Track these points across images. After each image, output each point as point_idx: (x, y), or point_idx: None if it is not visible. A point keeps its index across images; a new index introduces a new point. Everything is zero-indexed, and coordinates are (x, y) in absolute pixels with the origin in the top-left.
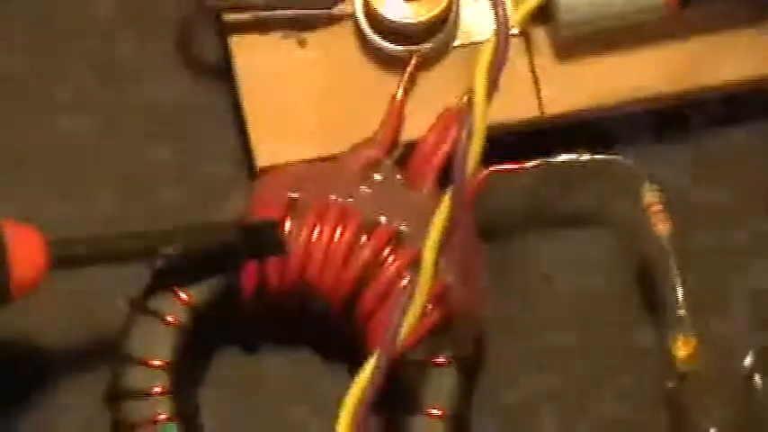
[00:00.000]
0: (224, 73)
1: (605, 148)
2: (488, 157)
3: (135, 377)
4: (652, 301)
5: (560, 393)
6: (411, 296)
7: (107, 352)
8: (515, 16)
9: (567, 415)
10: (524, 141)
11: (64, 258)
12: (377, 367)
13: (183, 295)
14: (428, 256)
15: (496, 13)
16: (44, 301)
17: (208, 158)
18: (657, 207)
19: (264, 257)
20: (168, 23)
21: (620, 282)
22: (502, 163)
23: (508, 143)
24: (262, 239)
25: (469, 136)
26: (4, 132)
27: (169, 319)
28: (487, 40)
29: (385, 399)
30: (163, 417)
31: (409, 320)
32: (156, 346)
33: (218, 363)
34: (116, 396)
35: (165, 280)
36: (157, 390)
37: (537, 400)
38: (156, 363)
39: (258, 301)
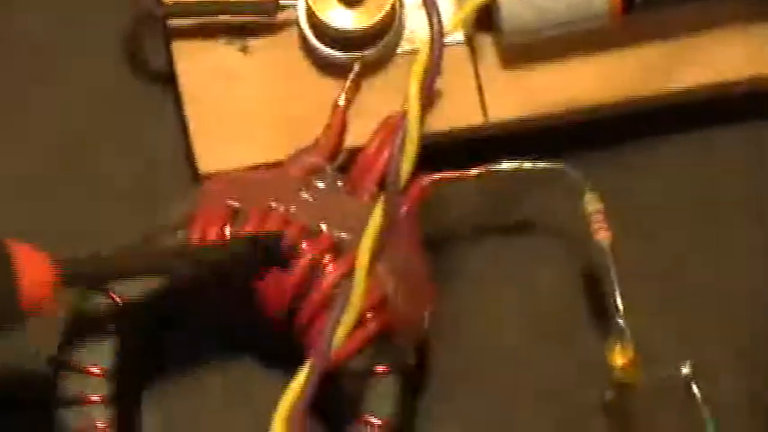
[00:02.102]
0: (170, 78)
1: (551, 157)
2: (435, 168)
3: (73, 385)
4: (597, 309)
5: (500, 407)
6: (345, 303)
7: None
8: (455, 19)
9: (504, 428)
10: (470, 151)
11: (72, 277)
12: (309, 374)
13: (118, 300)
14: (361, 262)
15: (430, 21)
16: None
17: (153, 163)
18: (599, 216)
19: (269, 269)
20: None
21: (566, 291)
22: (446, 172)
23: (454, 153)
24: (269, 252)
25: (403, 142)
26: None
27: (108, 326)
28: (422, 48)
29: (328, 408)
30: (101, 425)
31: (344, 328)
32: (95, 354)
33: (160, 370)
34: (55, 404)
35: None
36: (95, 398)
37: (476, 411)
38: (95, 371)
39: (200, 308)
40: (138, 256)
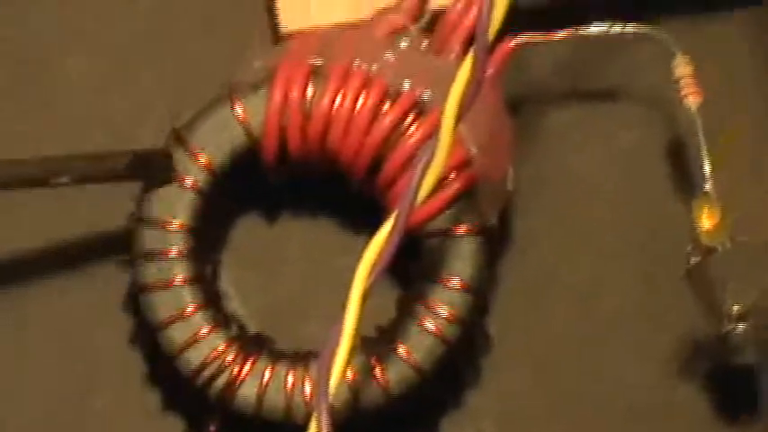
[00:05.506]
0: None
1: (641, 20)
2: (523, 29)
3: (152, 239)
4: (681, 175)
5: (581, 267)
6: (430, 160)
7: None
8: None
9: (586, 291)
10: (559, 13)
11: None
12: (392, 229)
13: (201, 158)
14: (447, 120)
15: None
16: None
17: (234, 20)
18: (689, 79)
19: (154, 184)
20: None
21: (651, 155)
22: (533, 33)
23: (542, 14)
24: (153, 167)
25: (491, 1)
26: None
27: (187, 182)
28: None
29: (407, 270)
30: (179, 280)
31: (428, 182)
32: (173, 209)
33: (239, 229)
34: (133, 258)
35: None
36: (174, 252)
37: (557, 275)
38: (174, 225)
39: (280, 165)
40: (19, 165)
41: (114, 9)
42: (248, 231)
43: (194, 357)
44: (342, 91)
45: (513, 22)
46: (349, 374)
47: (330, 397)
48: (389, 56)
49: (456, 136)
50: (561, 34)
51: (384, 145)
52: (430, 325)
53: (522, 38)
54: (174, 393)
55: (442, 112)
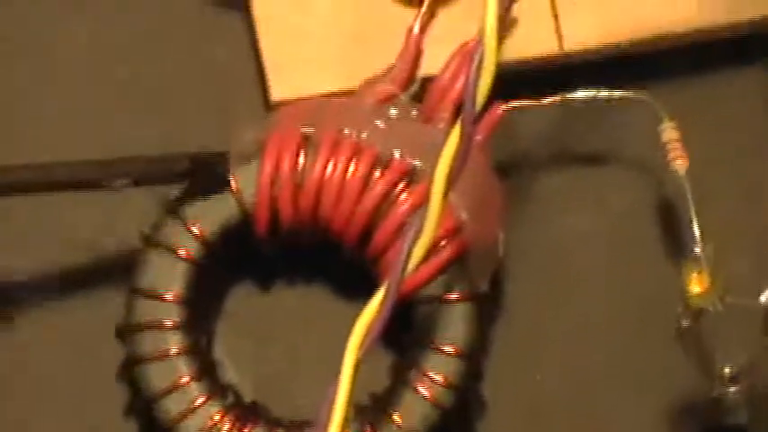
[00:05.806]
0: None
1: (628, 86)
2: (511, 95)
3: (146, 311)
4: (671, 238)
5: (572, 331)
6: (420, 229)
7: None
8: None
9: (577, 353)
10: (547, 78)
11: (11, 184)
12: (384, 299)
13: (195, 229)
14: (436, 188)
15: None
16: (57, 236)
17: (225, 88)
18: (676, 144)
19: (210, 191)
20: None
21: (640, 219)
22: (521, 100)
23: (530, 80)
24: (210, 170)
25: (478, 69)
26: None
27: (181, 252)
28: None
29: (400, 337)
30: (174, 350)
31: (418, 252)
32: (167, 280)
33: (233, 298)
34: (127, 329)
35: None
36: (168, 323)
37: (548, 338)
38: (168, 296)
39: (272, 235)
40: (79, 166)
41: (114, 9)
42: (242, 301)
43: (190, 428)
44: (332, 160)
45: (502, 88)
46: None
47: None
48: (379, 124)
49: (446, 203)
50: (549, 100)
51: (375, 214)
52: (424, 391)
53: (511, 104)
54: None
55: (430, 182)
